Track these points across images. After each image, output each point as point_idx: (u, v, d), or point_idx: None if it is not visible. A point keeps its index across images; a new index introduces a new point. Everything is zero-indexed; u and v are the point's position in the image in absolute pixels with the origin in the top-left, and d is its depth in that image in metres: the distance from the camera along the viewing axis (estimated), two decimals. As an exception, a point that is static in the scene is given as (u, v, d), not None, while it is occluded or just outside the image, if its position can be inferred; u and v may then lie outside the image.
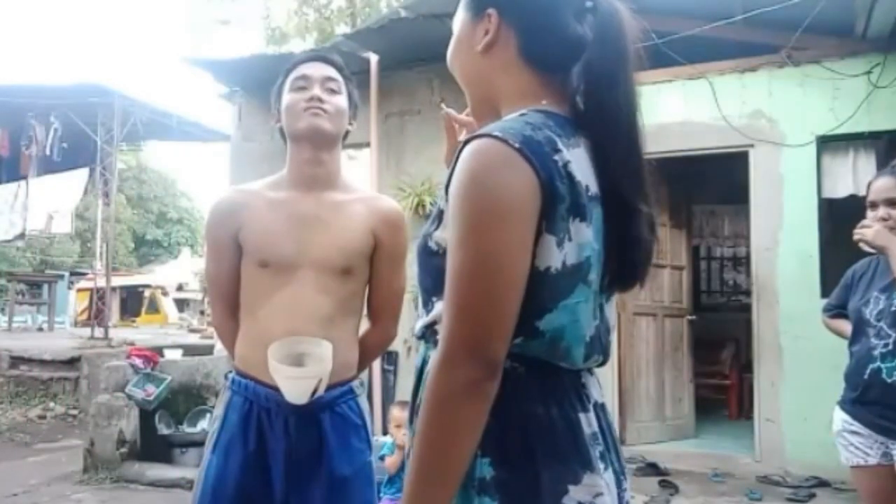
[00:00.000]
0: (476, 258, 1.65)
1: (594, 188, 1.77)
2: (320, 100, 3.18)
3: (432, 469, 1.67)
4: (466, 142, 1.74)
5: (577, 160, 1.75)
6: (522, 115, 1.81)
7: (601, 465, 1.80)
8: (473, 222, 1.66)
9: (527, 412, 1.75)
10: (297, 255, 3.13)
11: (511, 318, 1.66)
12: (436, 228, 1.84)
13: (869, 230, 4.12)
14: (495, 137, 1.68)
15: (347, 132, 3.38)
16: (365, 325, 3.46)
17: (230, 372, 3.29)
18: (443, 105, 2.50)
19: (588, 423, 1.82)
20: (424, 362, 1.91)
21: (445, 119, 2.45)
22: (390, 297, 3.42)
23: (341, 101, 3.27)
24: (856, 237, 4.21)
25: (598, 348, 1.88)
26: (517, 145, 1.66)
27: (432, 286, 1.86)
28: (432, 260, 1.83)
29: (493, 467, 1.72)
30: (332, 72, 3.29)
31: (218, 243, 3.28)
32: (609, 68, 1.84)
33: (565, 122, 1.83)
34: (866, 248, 4.24)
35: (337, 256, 3.16)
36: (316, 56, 3.36)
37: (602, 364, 1.94)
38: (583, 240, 1.73)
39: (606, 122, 1.83)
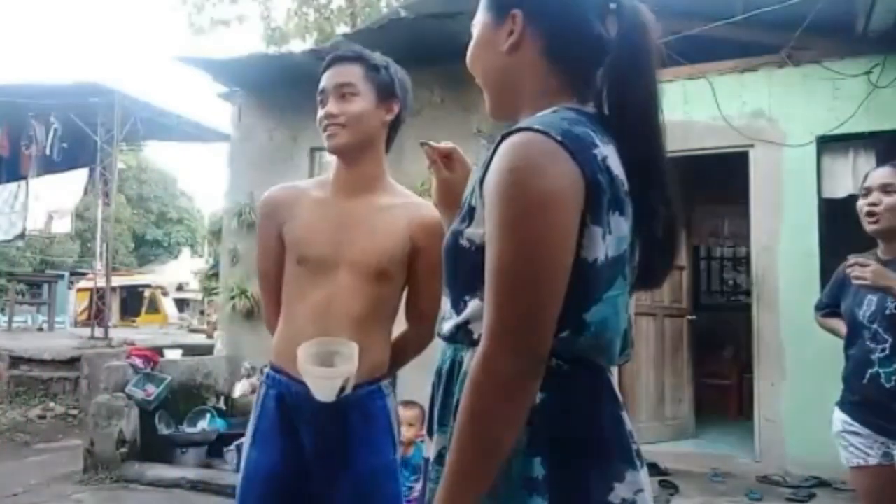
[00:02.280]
0: (520, 250, 1.66)
1: (627, 184, 1.79)
2: (334, 115, 3.20)
3: (472, 462, 1.69)
4: (505, 136, 1.75)
5: (612, 155, 1.77)
6: (555, 111, 1.83)
7: (639, 462, 1.84)
8: (518, 214, 1.67)
9: (575, 410, 1.78)
10: (334, 255, 3.20)
11: (556, 311, 1.68)
12: (467, 225, 1.85)
13: (867, 271, 4.05)
14: (536, 130, 1.70)
15: (398, 120, 3.38)
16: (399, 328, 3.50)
17: (265, 366, 3.39)
18: (422, 142, 2.51)
19: (626, 420, 1.87)
20: (454, 364, 1.92)
21: (427, 154, 2.46)
22: (429, 302, 3.41)
23: (357, 105, 3.23)
24: (856, 283, 4.17)
25: (629, 342, 1.91)
26: (559, 138, 1.68)
27: (465, 285, 1.88)
28: (465, 257, 1.84)
29: (544, 466, 1.74)
30: (346, 74, 3.26)
31: (266, 239, 3.38)
32: (632, 70, 1.86)
33: (595, 119, 1.85)
34: (860, 283, 4.18)
35: (372, 259, 3.20)
36: (331, 60, 3.35)
37: (628, 359, 1.97)
38: (621, 233, 1.77)
39: (630, 123, 1.85)
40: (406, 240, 3.26)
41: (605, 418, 1.81)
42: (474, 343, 1.77)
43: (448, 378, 1.94)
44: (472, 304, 1.84)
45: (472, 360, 1.75)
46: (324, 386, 3.05)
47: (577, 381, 1.79)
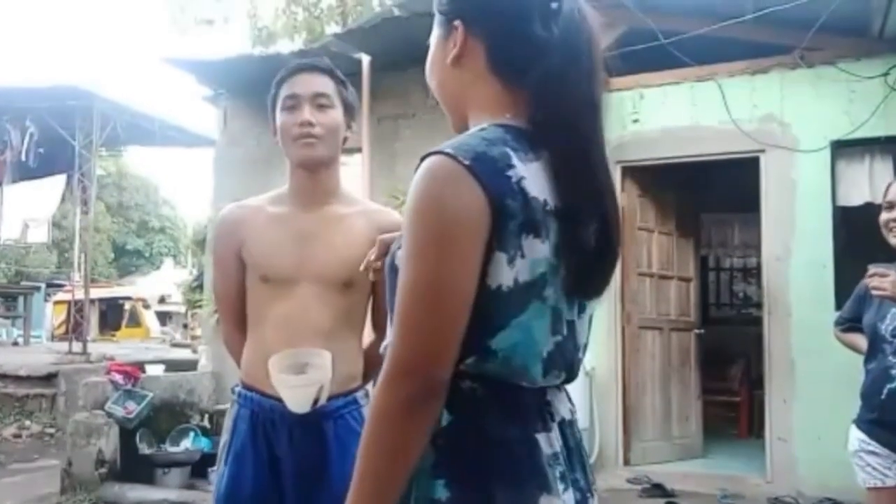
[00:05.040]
0: (421, 277, 1.73)
1: (553, 202, 1.81)
2: (311, 124, 3.27)
3: (368, 486, 1.75)
4: (423, 158, 1.79)
5: (534, 175, 1.79)
6: (482, 129, 1.86)
7: (560, 486, 1.84)
8: (420, 240, 1.73)
9: (482, 433, 1.81)
10: (298, 270, 3.28)
11: (455, 338, 1.73)
12: (399, 247, 1.87)
13: (886, 282, 4.07)
14: (446, 154, 1.74)
15: (346, 138, 3.46)
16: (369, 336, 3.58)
17: (237, 385, 3.44)
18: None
19: (549, 442, 1.87)
20: None
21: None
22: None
23: (333, 116, 3.35)
24: (874, 293, 4.19)
25: (561, 364, 1.90)
26: (467, 162, 1.71)
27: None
28: (397, 278, 1.86)
29: (448, 489, 1.78)
30: (322, 84, 3.36)
31: (223, 260, 3.47)
32: (565, 74, 1.87)
33: (523, 135, 1.86)
34: (879, 294, 4.19)
35: (337, 270, 3.28)
36: (304, 66, 3.43)
37: (567, 381, 1.97)
38: (536, 256, 1.77)
39: (559, 130, 1.86)
40: (368, 247, 3.23)
41: (517, 441, 1.83)
42: None
43: None
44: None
45: None
46: (298, 396, 3.13)
47: (488, 403, 1.82)
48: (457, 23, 1.98)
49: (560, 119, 1.85)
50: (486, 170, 1.72)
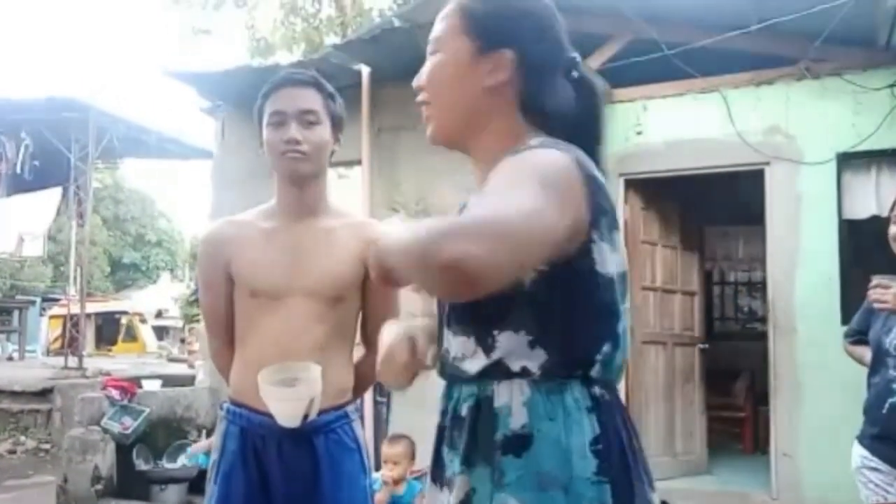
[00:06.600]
0: (524, 200, 1.70)
1: None
2: (297, 141, 3.25)
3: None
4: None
5: None
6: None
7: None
8: (526, 177, 1.76)
9: (623, 436, 1.88)
10: (287, 285, 3.28)
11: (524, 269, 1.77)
12: None
13: (888, 294, 4.07)
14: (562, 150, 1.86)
15: (333, 151, 3.46)
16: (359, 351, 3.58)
17: (225, 402, 3.45)
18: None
19: None
20: (479, 402, 1.90)
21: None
22: (383, 323, 3.46)
23: (321, 133, 3.34)
24: (876, 306, 4.20)
25: (623, 371, 2.02)
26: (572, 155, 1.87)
27: (491, 318, 1.88)
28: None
29: (612, 494, 1.80)
30: (309, 100, 3.34)
31: (210, 275, 3.47)
32: (578, 125, 2.03)
33: None
34: (882, 306, 4.20)
35: (327, 285, 3.30)
36: (289, 80, 3.40)
37: None
38: (620, 255, 1.91)
39: None
40: (358, 262, 3.32)
41: (634, 442, 1.90)
42: (512, 375, 1.84)
43: (474, 417, 1.90)
44: (505, 338, 1.86)
45: (509, 391, 1.84)
46: (287, 410, 3.12)
47: (615, 407, 1.89)
48: (507, 52, 2.00)
49: None
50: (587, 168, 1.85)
